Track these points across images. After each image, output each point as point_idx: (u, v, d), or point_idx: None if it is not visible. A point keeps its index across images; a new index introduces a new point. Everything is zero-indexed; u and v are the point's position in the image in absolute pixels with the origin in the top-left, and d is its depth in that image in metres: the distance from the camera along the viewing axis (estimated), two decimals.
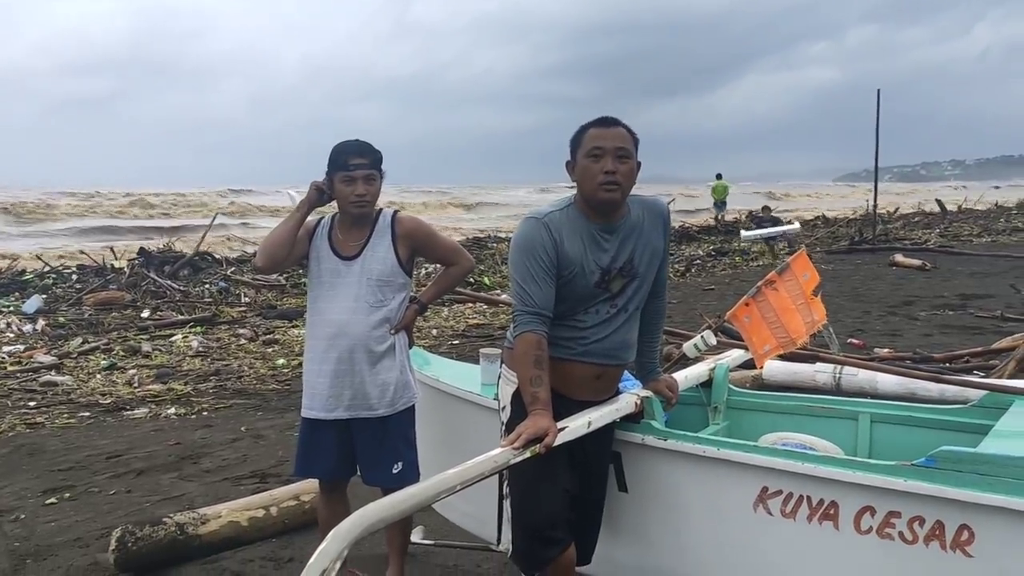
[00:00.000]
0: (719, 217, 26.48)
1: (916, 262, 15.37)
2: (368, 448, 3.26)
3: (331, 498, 3.37)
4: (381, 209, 3.32)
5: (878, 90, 19.58)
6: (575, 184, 2.67)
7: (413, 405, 3.33)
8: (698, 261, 18.09)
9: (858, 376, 4.59)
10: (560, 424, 2.58)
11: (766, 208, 23.26)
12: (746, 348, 3.24)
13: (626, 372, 3.82)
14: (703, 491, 2.87)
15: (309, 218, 3.28)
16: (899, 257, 16.01)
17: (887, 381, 4.43)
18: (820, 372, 4.61)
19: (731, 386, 3.44)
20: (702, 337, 3.17)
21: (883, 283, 13.43)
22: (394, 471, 3.22)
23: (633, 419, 2.91)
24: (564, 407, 2.66)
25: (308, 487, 4.09)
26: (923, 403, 3.55)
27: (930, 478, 2.39)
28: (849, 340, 8.32)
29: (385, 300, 3.22)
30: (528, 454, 2.44)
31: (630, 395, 2.92)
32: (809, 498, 2.64)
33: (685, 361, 3.39)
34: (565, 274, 2.60)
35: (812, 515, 2.64)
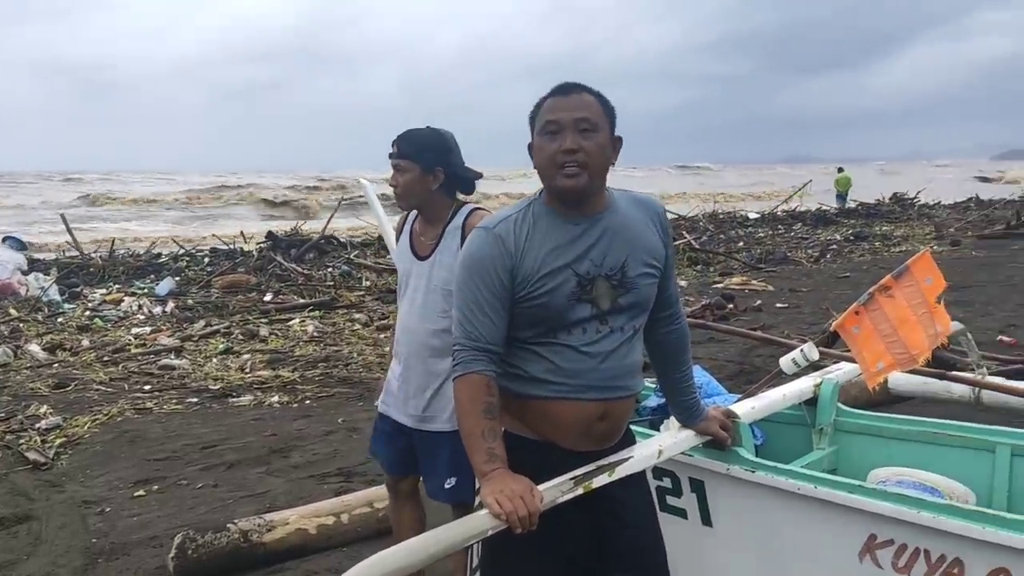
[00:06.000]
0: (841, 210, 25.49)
1: None
2: (426, 458, 3.02)
3: (398, 498, 3.19)
4: (463, 204, 2.98)
5: None
6: (537, 170, 2.10)
7: None
8: (834, 246, 17.05)
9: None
10: (623, 454, 2.19)
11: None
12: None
13: (714, 382, 3.41)
14: (799, 533, 2.46)
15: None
16: None
17: None
18: (957, 384, 4.02)
19: (840, 405, 2.98)
20: (802, 351, 2.72)
21: None
22: (447, 486, 2.95)
23: (718, 445, 2.52)
24: (560, 462, 2.07)
25: (382, 494, 3.88)
26: None
27: None
28: (999, 337, 7.49)
29: (449, 311, 2.91)
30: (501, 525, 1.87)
31: (714, 412, 2.49)
32: (928, 552, 2.21)
33: (782, 378, 2.94)
34: (531, 290, 2.03)
35: (931, 573, 2.20)
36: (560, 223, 2.07)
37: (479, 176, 3.02)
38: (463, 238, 2.86)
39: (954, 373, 3.52)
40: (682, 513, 2.74)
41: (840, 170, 28.95)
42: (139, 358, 8.54)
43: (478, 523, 1.88)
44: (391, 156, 2.92)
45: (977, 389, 3.54)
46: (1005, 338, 7.49)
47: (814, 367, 3.02)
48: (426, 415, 2.96)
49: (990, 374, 3.92)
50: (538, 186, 2.17)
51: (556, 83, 2.12)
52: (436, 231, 2.95)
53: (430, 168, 2.87)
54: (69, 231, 16.91)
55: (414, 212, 3.06)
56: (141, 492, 4.80)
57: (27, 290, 11.76)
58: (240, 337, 9.52)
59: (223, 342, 9.23)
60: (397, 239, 3.13)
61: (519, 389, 2.12)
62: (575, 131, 2.01)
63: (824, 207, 24.30)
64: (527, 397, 2.11)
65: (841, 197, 27.31)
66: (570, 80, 2.12)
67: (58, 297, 11.67)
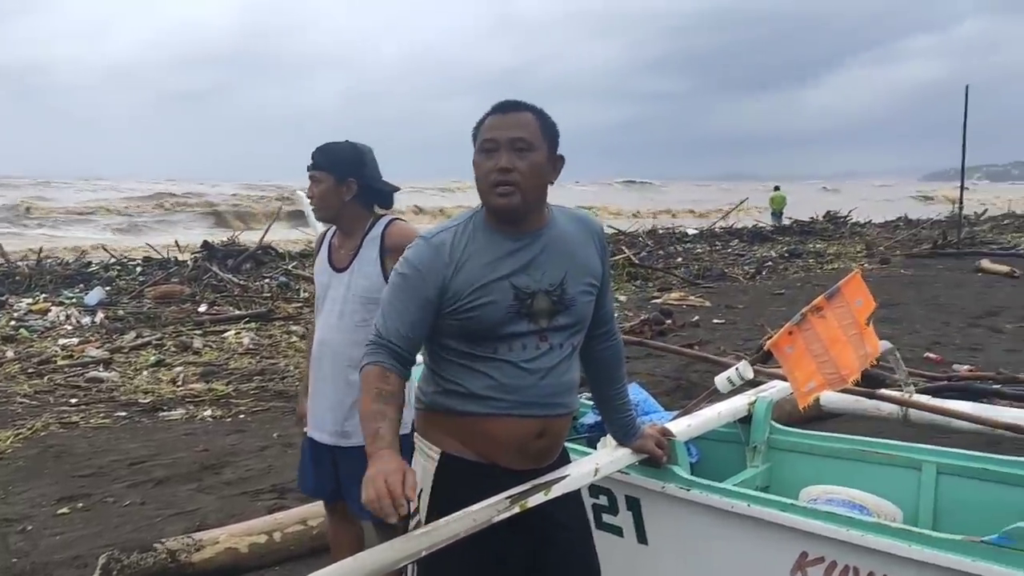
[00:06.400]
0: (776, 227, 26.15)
1: (1004, 268, 14.40)
2: (347, 476, 2.96)
3: (333, 518, 3.16)
4: (381, 215, 3.01)
5: (967, 86, 18.71)
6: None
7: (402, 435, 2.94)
8: (769, 263, 17.39)
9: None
10: (560, 472, 2.18)
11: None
12: None
13: (651, 400, 3.44)
14: (733, 550, 2.48)
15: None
16: (985, 263, 15.04)
17: (963, 411, 3.93)
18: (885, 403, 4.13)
19: (773, 423, 3.03)
20: (737, 370, 2.75)
21: (967, 291, 12.58)
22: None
23: (654, 463, 2.53)
24: (495, 482, 2.05)
25: (316, 511, 3.82)
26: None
27: (1005, 560, 1.97)
28: (926, 355, 7.71)
29: (368, 320, 2.88)
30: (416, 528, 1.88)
31: (650, 430, 2.50)
32: (856, 570, 2.25)
33: (717, 396, 2.98)
34: (466, 302, 2.03)
35: None
36: (499, 238, 2.08)
37: (396, 189, 3.07)
38: (382, 247, 2.91)
39: (883, 392, 3.61)
40: (618, 531, 2.75)
41: (776, 188, 29.81)
42: (66, 370, 8.29)
43: (411, 544, 1.85)
44: (308, 168, 2.98)
45: (904, 408, 3.62)
46: (931, 355, 7.71)
47: (749, 384, 3.06)
48: (344, 429, 2.93)
49: (917, 391, 4.03)
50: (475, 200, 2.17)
51: (499, 99, 2.12)
52: (354, 242, 2.97)
53: (343, 179, 2.92)
54: None
55: (332, 227, 3.09)
56: (65, 510, 4.63)
57: None
58: (173, 349, 9.31)
59: (154, 354, 9.02)
60: (316, 254, 3.14)
61: (458, 406, 2.10)
62: (510, 150, 2.01)
63: (760, 224, 24.81)
64: (466, 414, 2.09)
65: (776, 215, 27.97)
66: (511, 96, 2.12)
67: None
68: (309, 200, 3.02)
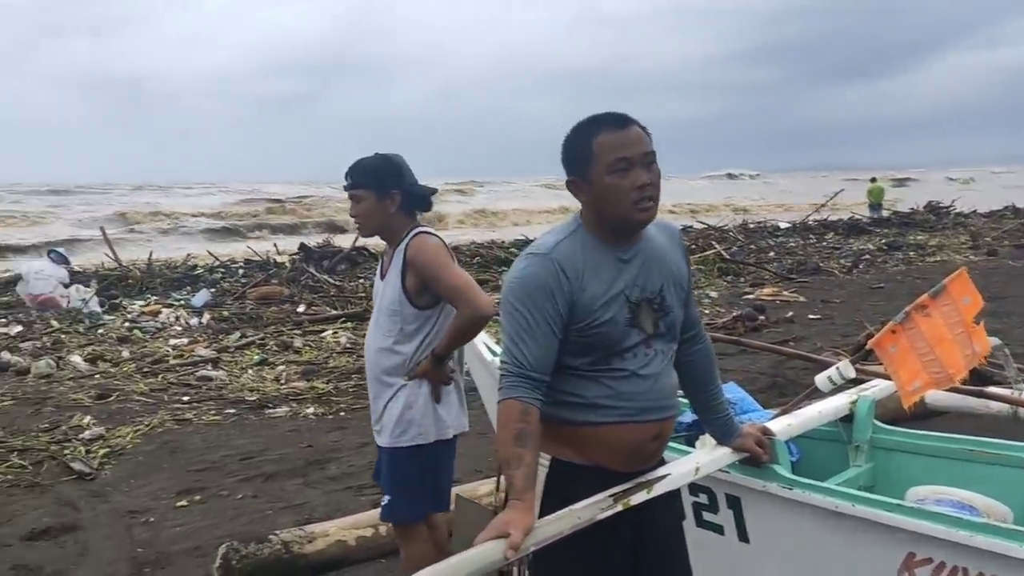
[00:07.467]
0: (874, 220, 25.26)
1: None
2: (379, 470, 3.13)
3: None
4: (413, 227, 3.01)
5: None
6: (590, 205, 2.10)
7: (413, 447, 2.99)
8: (867, 256, 16.90)
9: None
10: (661, 471, 2.23)
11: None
12: None
13: (748, 399, 3.43)
14: (837, 551, 2.48)
15: None
16: None
17: None
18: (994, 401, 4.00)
19: (876, 422, 3.00)
20: (838, 369, 2.74)
21: None
22: (382, 502, 3.08)
23: (754, 462, 2.54)
24: (603, 483, 2.09)
25: None
26: None
27: None
28: None
29: (392, 332, 2.96)
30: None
31: (749, 430, 2.51)
32: (966, 570, 2.23)
33: (817, 395, 2.96)
34: (592, 320, 2.04)
35: None
36: (608, 252, 2.10)
37: (433, 192, 3.11)
38: (404, 261, 2.93)
39: (991, 389, 3.52)
40: (719, 529, 2.77)
41: (873, 180, 28.81)
42: (177, 369, 8.68)
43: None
44: (345, 188, 3.02)
45: (1015, 406, 3.52)
46: None
47: (849, 382, 3.04)
48: (376, 428, 3.07)
49: None
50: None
51: (588, 96, 2.17)
52: (391, 253, 3.04)
53: (386, 192, 2.96)
54: (108, 243, 17.22)
55: None
56: (183, 502, 4.90)
57: (68, 302, 12.00)
58: (274, 348, 9.63)
59: (258, 353, 9.35)
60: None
61: (573, 416, 2.12)
62: (642, 166, 2.04)
63: (857, 216, 24.09)
64: (580, 424, 2.11)
65: (874, 207, 27.08)
66: (599, 93, 2.21)
67: (98, 309, 11.88)
68: (354, 219, 3.04)
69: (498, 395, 2.06)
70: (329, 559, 3.75)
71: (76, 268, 14.85)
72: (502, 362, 2.08)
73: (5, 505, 4.92)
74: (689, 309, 2.28)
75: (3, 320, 11.30)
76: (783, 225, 23.27)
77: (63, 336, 10.27)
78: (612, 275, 2.08)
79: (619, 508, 2.06)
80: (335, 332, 10.49)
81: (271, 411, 7.12)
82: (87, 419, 6.62)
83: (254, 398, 7.52)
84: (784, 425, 2.77)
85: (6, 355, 9.08)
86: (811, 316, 10.55)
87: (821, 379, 2.78)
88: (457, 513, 3.50)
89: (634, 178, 2.02)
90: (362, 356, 3.37)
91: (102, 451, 5.85)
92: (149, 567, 3.99)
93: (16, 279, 13.21)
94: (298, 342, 9.90)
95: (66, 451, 5.84)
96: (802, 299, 12.00)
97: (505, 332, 2.08)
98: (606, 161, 2.03)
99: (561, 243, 2.09)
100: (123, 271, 14.79)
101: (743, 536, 2.71)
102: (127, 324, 11.15)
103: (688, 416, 3.31)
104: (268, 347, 9.68)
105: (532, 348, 2.02)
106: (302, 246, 16.26)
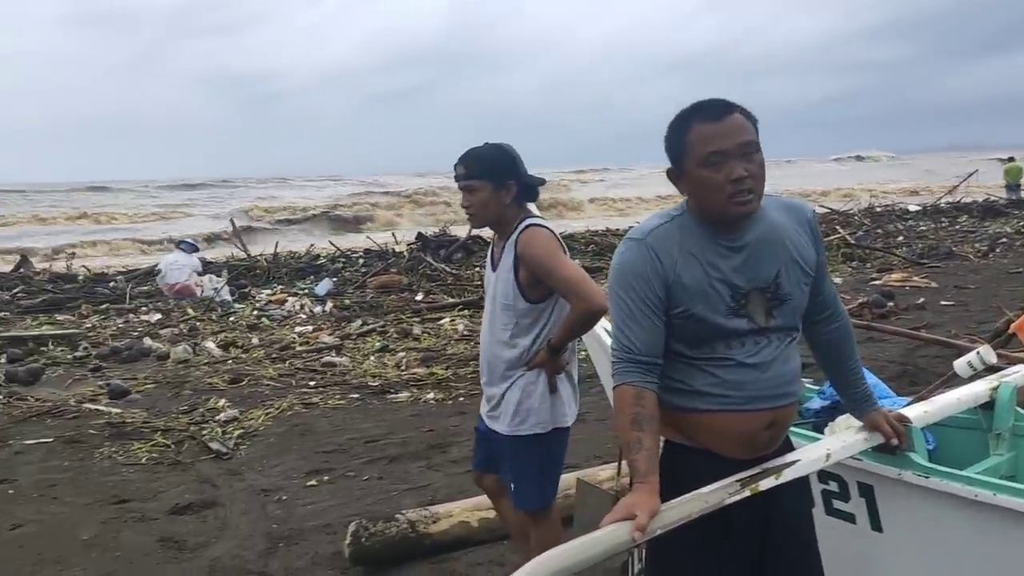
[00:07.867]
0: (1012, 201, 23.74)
1: None
2: (504, 460, 3.13)
3: (488, 494, 3.39)
4: (524, 217, 2.98)
5: None
6: (690, 195, 2.05)
7: (532, 436, 3.00)
8: (1004, 239, 15.99)
9: None
10: (790, 457, 2.18)
11: None
12: None
13: (882, 385, 3.31)
14: (977, 540, 2.37)
15: None
16: None
17: None
18: None
19: (1019, 410, 2.84)
20: (978, 354, 2.61)
21: None
22: (512, 487, 3.09)
23: (888, 449, 2.45)
24: (719, 468, 2.05)
25: None
26: None
27: None
28: None
29: (508, 326, 2.94)
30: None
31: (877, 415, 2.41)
32: None
33: (954, 382, 2.83)
34: (685, 307, 2.01)
35: None
36: (712, 237, 2.04)
37: (542, 182, 3.06)
38: (516, 255, 2.91)
39: None
40: (850, 518, 2.69)
41: (1010, 159, 27.12)
42: (303, 355, 9.02)
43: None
44: (458, 179, 2.97)
45: None
46: None
47: (988, 369, 2.89)
48: (494, 414, 3.07)
49: None
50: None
51: (703, 80, 2.12)
52: (504, 242, 3.01)
53: (502, 183, 2.93)
54: (237, 234, 18.03)
55: None
56: (313, 482, 5.10)
57: (202, 291, 12.64)
58: (395, 335, 9.89)
59: (379, 340, 9.62)
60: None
61: (681, 402, 2.11)
62: (739, 157, 1.95)
63: (992, 198, 22.80)
64: (689, 410, 2.09)
65: (1012, 188, 25.57)
66: (716, 77, 2.14)
67: (229, 298, 12.48)
68: (466, 209, 3.00)
69: (612, 381, 2.07)
70: (453, 539, 3.84)
71: (207, 259, 15.61)
72: (613, 349, 2.08)
73: (151, 481, 5.25)
74: (821, 291, 2.21)
75: (145, 308, 12.03)
76: (912, 208, 22.26)
77: (198, 323, 10.85)
78: (713, 262, 2.03)
79: (747, 493, 2.03)
80: (452, 320, 10.69)
81: (393, 396, 7.32)
82: (222, 402, 6.99)
83: (376, 383, 7.74)
84: (920, 412, 2.65)
85: (148, 341, 9.67)
86: (944, 302, 10.07)
87: (960, 364, 2.66)
88: (578, 497, 3.53)
89: (728, 171, 1.94)
90: (478, 344, 3.42)
91: (237, 432, 6.16)
92: (283, 542, 4.18)
93: (155, 271, 14.02)
94: (417, 329, 10.13)
95: (204, 432, 6.17)
96: (934, 285, 11.46)
97: (613, 318, 2.09)
98: (699, 154, 1.97)
99: (660, 227, 2.06)
100: (251, 261, 15.46)
101: (876, 525, 2.62)
102: (256, 312, 11.67)
103: (816, 402, 3.23)
104: (388, 334, 9.95)
105: (638, 333, 2.02)
106: (419, 235, 16.59)
